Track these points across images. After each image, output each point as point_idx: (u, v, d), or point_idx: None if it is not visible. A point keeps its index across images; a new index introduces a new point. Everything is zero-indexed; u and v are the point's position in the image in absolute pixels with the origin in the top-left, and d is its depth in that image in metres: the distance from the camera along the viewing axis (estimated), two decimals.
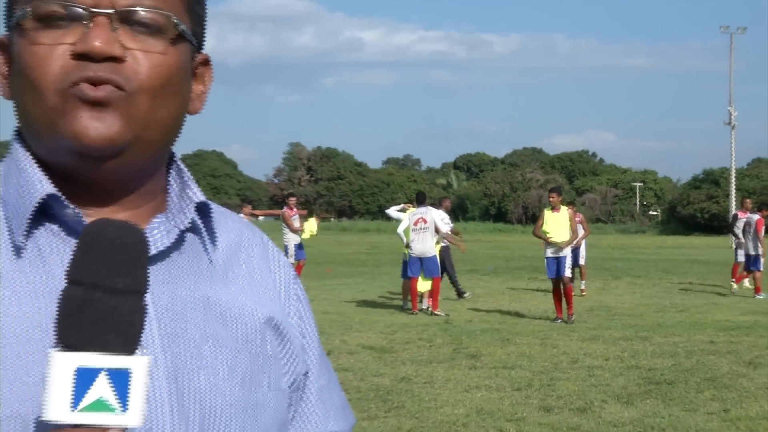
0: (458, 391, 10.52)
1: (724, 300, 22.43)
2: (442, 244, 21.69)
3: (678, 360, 12.83)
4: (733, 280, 25.63)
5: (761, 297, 22.90)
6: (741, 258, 25.77)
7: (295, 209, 23.96)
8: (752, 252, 24.21)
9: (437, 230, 20.04)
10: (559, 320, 17.07)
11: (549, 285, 21.93)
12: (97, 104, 1.22)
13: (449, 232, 21.80)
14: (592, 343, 14.42)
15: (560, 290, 17.50)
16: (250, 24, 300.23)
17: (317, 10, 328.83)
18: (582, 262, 23.85)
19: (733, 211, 72.09)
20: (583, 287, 23.28)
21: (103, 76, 1.21)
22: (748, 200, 28.15)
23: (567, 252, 17.64)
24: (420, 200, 19.83)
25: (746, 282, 25.77)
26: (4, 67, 1.31)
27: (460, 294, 22.19)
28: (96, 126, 1.21)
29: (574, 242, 22.88)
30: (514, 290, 24.82)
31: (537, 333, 15.71)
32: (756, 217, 24.83)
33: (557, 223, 17.79)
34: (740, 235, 25.99)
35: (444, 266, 21.79)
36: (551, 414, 9.36)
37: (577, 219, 23.76)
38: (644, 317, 18.31)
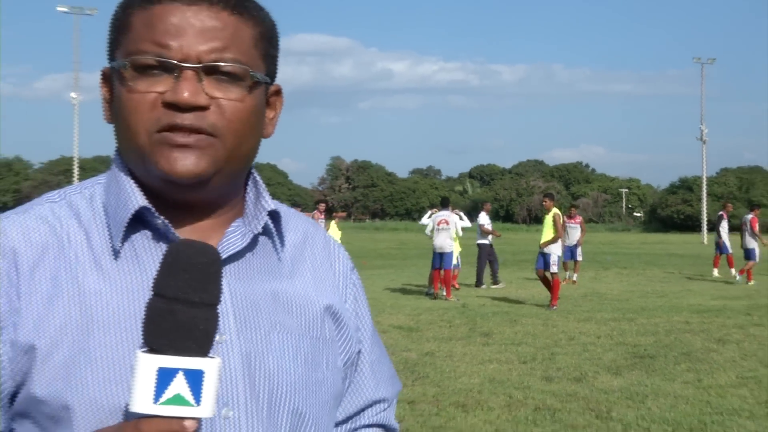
0: (473, 364, 10.51)
1: (698, 287, 22.24)
2: (487, 240, 22.11)
3: (658, 337, 12.78)
4: (732, 269, 25.47)
5: (738, 279, 22.86)
6: (730, 250, 25.76)
7: (323, 214, 24.03)
8: (748, 246, 24.02)
9: (485, 229, 21.81)
10: (555, 307, 16.85)
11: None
12: (184, 146, 1.23)
13: (490, 230, 22.46)
14: (586, 324, 14.36)
15: (548, 280, 17.39)
16: (299, 58, 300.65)
17: (354, 46, 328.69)
18: (579, 258, 23.72)
19: (705, 212, 71.89)
20: (575, 278, 23.07)
21: (190, 125, 1.23)
22: (729, 204, 28.10)
23: (553, 250, 17.40)
24: (444, 204, 20.01)
25: (715, 272, 25.66)
26: (108, 94, 1.33)
27: (478, 283, 22.03)
28: (184, 163, 1.23)
29: (576, 241, 22.98)
30: (520, 279, 24.62)
31: (539, 315, 15.65)
32: (749, 216, 24.68)
33: (546, 224, 17.75)
34: (723, 233, 25.90)
35: (486, 259, 22.13)
36: (552, 383, 9.33)
37: (578, 221, 23.92)
38: (630, 302, 18.20)
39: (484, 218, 22.42)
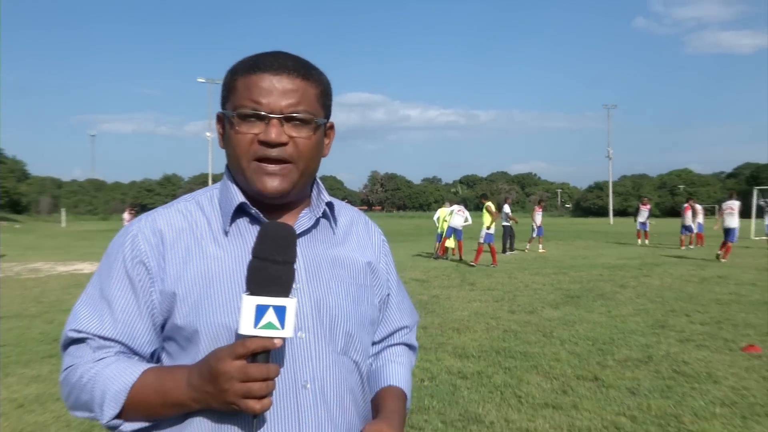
0: (464, 302, 10.47)
1: (607, 251, 22.01)
2: (509, 223, 21.33)
3: (582, 284, 12.67)
4: (639, 239, 25.60)
5: (691, 247, 22.61)
6: (640, 227, 25.67)
7: None
8: (686, 224, 23.50)
9: (510, 216, 20.97)
10: (474, 265, 16.81)
11: (514, 243, 21.80)
12: (272, 173, 1.27)
13: (512, 216, 21.60)
14: (536, 276, 14.26)
15: (482, 250, 17.41)
16: (349, 108, 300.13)
17: (385, 99, 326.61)
18: (542, 234, 23.53)
19: (611, 204, 71.02)
20: (541, 249, 22.68)
21: (276, 155, 1.26)
22: (646, 198, 27.99)
23: (483, 229, 17.43)
24: (456, 201, 20.64)
25: (640, 241, 25.65)
26: (220, 129, 1.36)
27: (504, 251, 21.16)
28: (273, 184, 1.27)
29: (539, 223, 22.98)
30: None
31: (506, 271, 15.57)
32: (685, 204, 24.08)
33: (484, 214, 17.64)
34: (639, 218, 25.73)
35: (508, 236, 21.38)
36: (514, 314, 9.28)
37: (540, 209, 23.74)
38: (564, 262, 18.04)
39: (507, 208, 21.59)
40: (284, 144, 1.25)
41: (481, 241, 17.37)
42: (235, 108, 1.26)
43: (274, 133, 1.23)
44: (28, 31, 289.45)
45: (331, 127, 1.41)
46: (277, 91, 1.25)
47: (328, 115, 1.36)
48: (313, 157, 1.31)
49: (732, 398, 5.28)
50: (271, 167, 1.25)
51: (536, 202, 21.96)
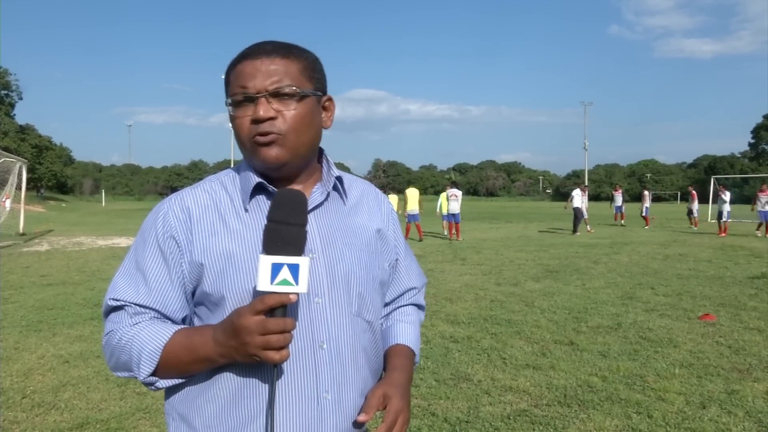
0: (455, 275, 10.46)
1: (583, 231, 21.98)
2: (577, 205, 20.68)
3: (561, 260, 12.66)
4: (616, 221, 25.55)
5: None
6: (616, 210, 25.64)
7: None
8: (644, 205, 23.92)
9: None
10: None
11: (501, 224, 21.84)
12: (267, 144, 1.23)
13: (571, 202, 21.13)
14: (520, 253, 14.23)
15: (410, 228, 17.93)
16: (356, 102, 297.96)
17: (388, 95, 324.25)
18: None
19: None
20: (590, 228, 21.78)
21: (267, 130, 1.22)
22: (617, 185, 28.06)
23: (413, 212, 17.93)
24: (454, 185, 19.39)
25: (617, 221, 25.52)
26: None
27: (575, 231, 20.65)
28: (269, 154, 1.24)
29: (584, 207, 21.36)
30: (482, 228, 24.53)
31: (493, 248, 15.53)
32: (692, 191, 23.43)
33: (408, 197, 18.14)
34: (615, 203, 25.56)
35: (576, 216, 20.73)
36: (500, 286, 9.27)
37: (585, 193, 21.66)
38: (544, 241, 18.01)
39: (584, 197, 21.31)
40: (273, 118, 1.21)
41: (408, 220, 17.83)
42: (230, 97, 1.24)
43: (261, 110, 1.20)
44: (74, 30, 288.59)
45: (329, 99, 1.34)
46: (260, 73, 1.22)
47: (319, 88, 1.30)
48: (304, 127, 1.25)
49: (689, 360, 5.29)
50: (263, 139, 1.22)
51: (580, 187, 20.80)
